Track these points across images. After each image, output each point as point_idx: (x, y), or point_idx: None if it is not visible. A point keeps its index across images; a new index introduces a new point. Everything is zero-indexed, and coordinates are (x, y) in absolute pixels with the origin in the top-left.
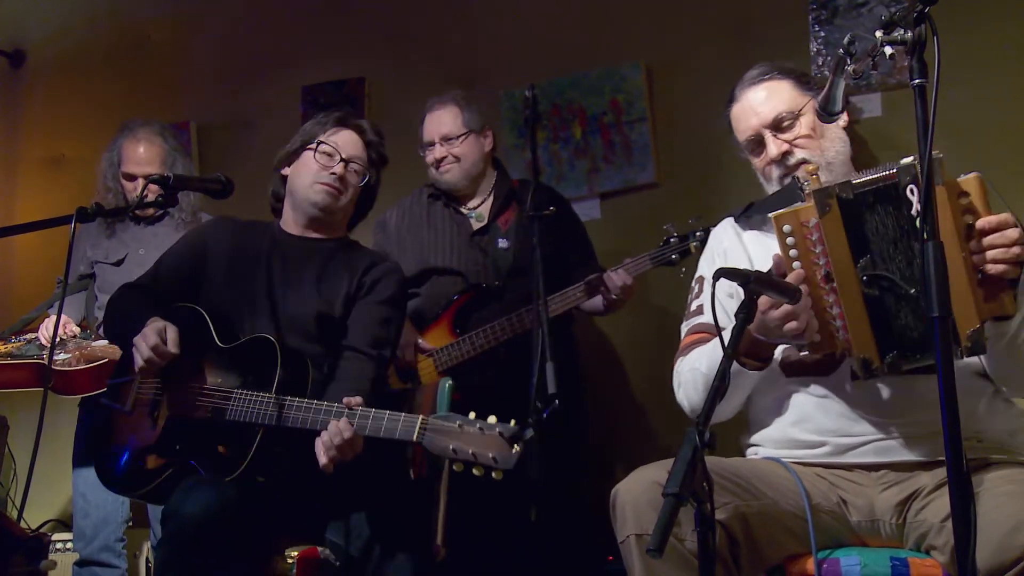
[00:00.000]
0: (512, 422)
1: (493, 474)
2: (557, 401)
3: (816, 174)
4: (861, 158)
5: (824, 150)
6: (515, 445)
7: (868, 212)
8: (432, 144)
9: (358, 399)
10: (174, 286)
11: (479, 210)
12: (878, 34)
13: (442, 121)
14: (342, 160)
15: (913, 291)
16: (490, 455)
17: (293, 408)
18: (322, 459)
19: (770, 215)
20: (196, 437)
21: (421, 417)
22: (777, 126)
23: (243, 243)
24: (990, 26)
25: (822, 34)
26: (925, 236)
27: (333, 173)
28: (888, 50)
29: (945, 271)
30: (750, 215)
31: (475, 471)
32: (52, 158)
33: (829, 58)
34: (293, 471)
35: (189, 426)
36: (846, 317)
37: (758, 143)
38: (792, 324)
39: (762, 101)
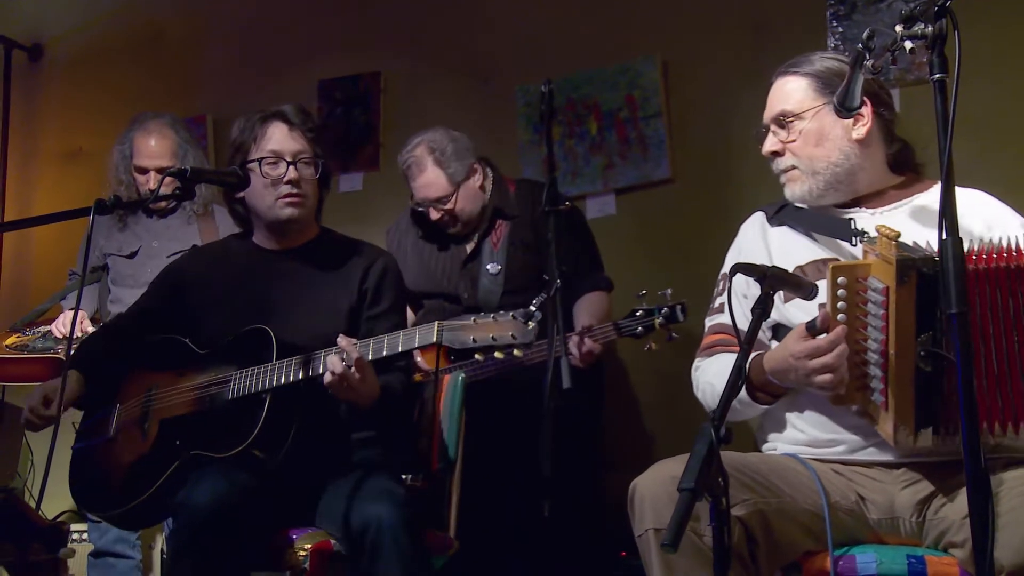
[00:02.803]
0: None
1: (515, 351)
2: (559, 282)
3: (896, 240)
4: None
5: (814, 160)
6: (529, 322)
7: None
8: (425, 206)
9: (350, 339)
10: (148, 321)
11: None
12: (898, 28)
13: (427, 186)
14: (289, 163)
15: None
16: (509, 334)
17: (300, 363)
18: (327, 377)
19: (829, 264)
20: (196, 427)
21: (437, 322)
22: (778, 123)
23: (226, 272)
24: (1011, 20)
25: (840, 29)
26: (944, 234)
27: (288, 182)
28: (908, 45)
29: (963, 267)
30: (782, 216)
31: (497, 354)
32: (69, 151)
33: (847, 53)
34: (296, 449)
35: (186, 421)
36: (891, 386)
37: (765, 133)
38: (826, 377)
39: (775, 95)
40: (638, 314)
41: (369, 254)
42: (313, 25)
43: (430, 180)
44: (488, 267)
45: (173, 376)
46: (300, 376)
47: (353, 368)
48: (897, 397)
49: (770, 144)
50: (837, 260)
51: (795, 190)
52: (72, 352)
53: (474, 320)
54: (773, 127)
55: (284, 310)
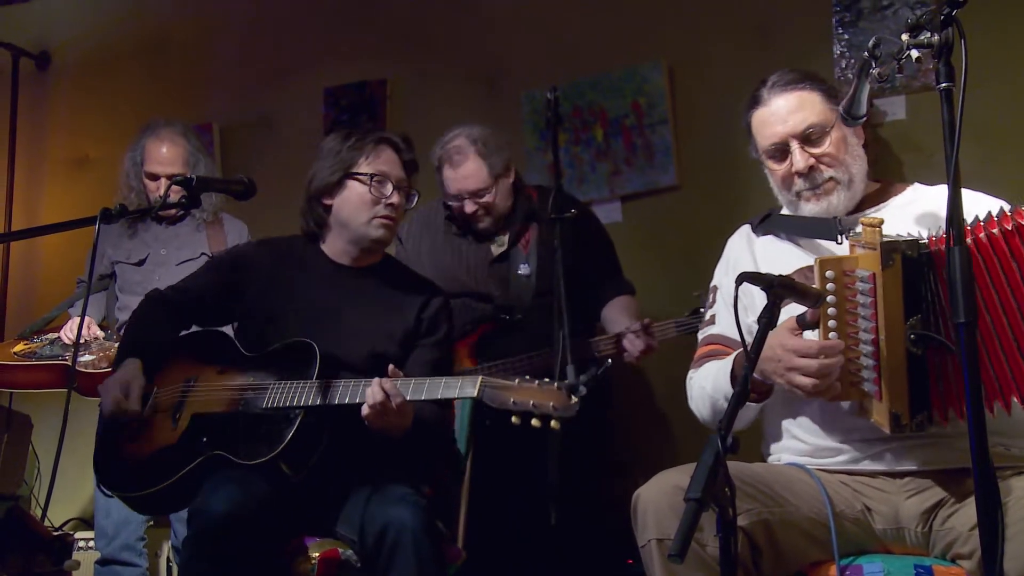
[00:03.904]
0: (566, 380)
1: (552, 423)
2: (610, 361)
3: (879, 227)
4: (884, 161)
5: (848, 167)
6: (573, 396)
7: (928, 272)
8: (460, 199)
9: (398, 371)
10: (203, 303)
11: (500, 236)
12: (904, 37)
13: (467, 176)
14: (394, 188)
15: None
16: (550, 404)
17: (338, 387)
18: (364, 409)
19: (816, 259)
20: (225, 428)
21: (481, 376)
22: (806, 139)
23: (294, 274)
24: (1017, 28)
25: (846, 36)
26: (952, 241)
27: (390, 204)
28: (914, 53)
29: (971, 276)
30: (767, 225)
31: (534, 422)
32: (76, 158)
33: (852, 61)
34: (323, 466)
35: (217, 420)
36: (884, 372)
37: (782, 152)
38: (804, 380)
39: (793, 110)
40: (701, 311)
41: (428, 288)
42: (319, 33)
43: (471, 171)
44: (520, 269)
45: (214, 372)
46: (336, 402)
47: (394, 404)
48: (890, 383)
49: (805, 160)
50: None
51: (831, 202)
52: (122, 336)
53: (518, 382)
54: (799, 143)
55: (343, 326)
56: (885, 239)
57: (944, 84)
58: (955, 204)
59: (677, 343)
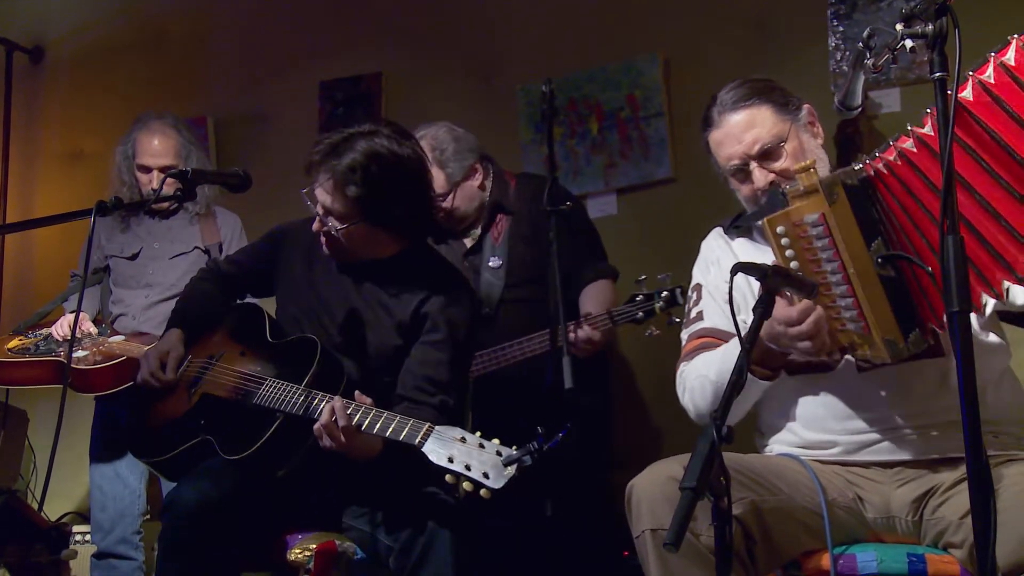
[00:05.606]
0: (514, 448)
1: (481, 492)
2: (563, 432)
3: (812, 168)
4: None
5: None
6: (508, 467)
7: (873, 194)
8: None
9: (369, 399)
10: (254, 277)
11: (472, 229)
12: (898, 27)
13: None
14: (319, 219)
15: (929, 268)
16: (482, 471)
17: (315, 398)
18: (315, 426)
19: (763, 219)
20: (220, 416)
21: (428, 424)
22: (763, 155)
23: (312, 258)
24: (1011, 18)
25: (840, 28)
26: (945, 230)
27: (316, 231)
28: (908, 43)
29: (965, 266)
30: (739, 225)
31: (464, 485)
32: (71, 153)
33: (848, 53)
34: (310, 462)
35: (217, 405)
36: (864, 304)
37: (743, 171)
38: (806, 344)
39: (744, 128)
40: (638, 299)
41: (440, 282)
42: (314, 26)
43: None
44: (489, 262)
45: (237, 352)
46: (302, 413)
47: (339, 429)
48: (874, 313)
49: (764, 177)
50: None
51: None
52: (176, 307)
53: (463, 438)
54: (756, 162)
55: (351, 317)
56: (821, 178)
57: (938, 74)
58: (948, 194)
59: (672, 343)
